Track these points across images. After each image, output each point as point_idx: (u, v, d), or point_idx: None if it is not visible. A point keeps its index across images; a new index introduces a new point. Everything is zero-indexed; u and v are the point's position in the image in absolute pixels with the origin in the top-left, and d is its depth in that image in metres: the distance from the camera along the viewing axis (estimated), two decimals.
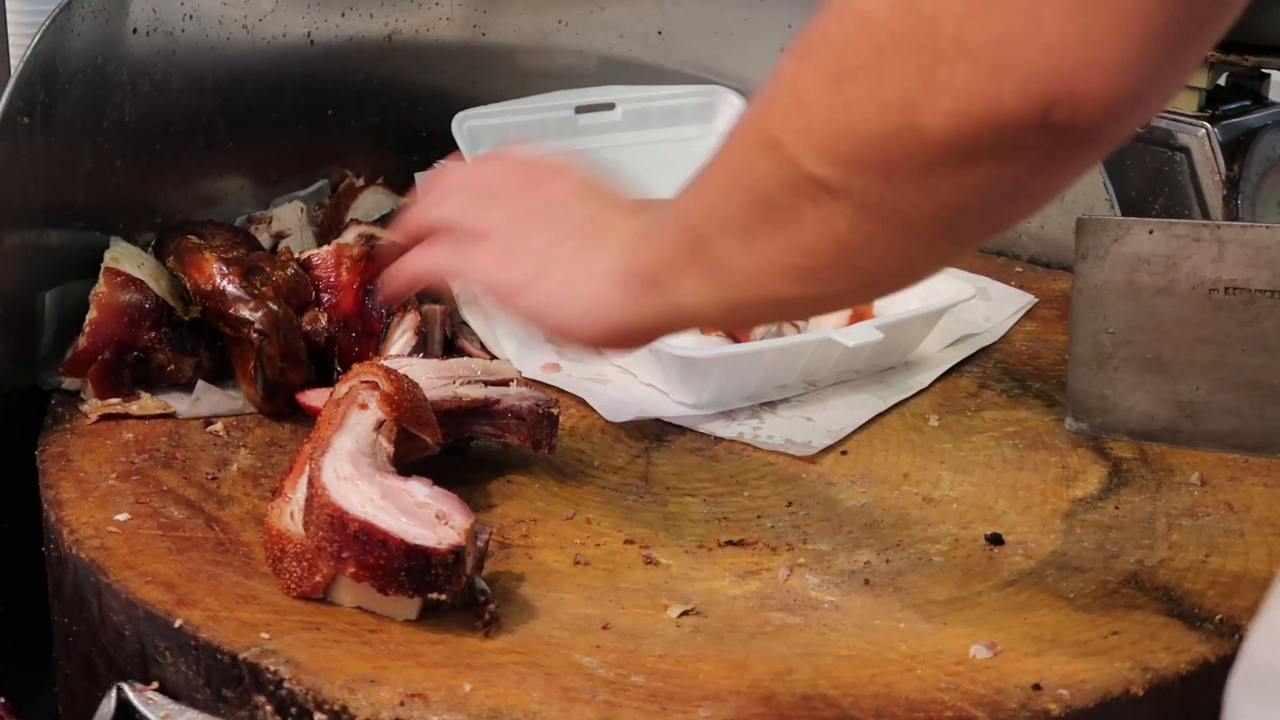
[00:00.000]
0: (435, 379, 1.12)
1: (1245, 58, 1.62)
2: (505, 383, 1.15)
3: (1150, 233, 1.18)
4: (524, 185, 0.99)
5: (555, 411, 1.14)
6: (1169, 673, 0.90)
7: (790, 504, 1.12)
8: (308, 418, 1.14)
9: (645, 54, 1.65)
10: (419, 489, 0.94)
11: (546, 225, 0.95)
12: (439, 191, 1.03)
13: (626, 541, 1.06)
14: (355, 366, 1.06)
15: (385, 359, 1.17)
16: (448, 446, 1.09)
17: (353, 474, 0.94)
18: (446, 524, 0.91)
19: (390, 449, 1.00)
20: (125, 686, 0.91)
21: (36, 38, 1.16)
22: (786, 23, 1.65)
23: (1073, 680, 0.89)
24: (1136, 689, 0.89)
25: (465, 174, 1.05)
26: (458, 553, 0.90)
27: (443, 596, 0.91)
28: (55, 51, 1.19)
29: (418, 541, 0.89)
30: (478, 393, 1.12)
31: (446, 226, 1.00)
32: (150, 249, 1.30)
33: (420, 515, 0.92)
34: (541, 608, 0.96)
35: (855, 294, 0.85)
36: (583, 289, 0.91)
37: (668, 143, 1.60)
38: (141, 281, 1.22)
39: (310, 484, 0.94)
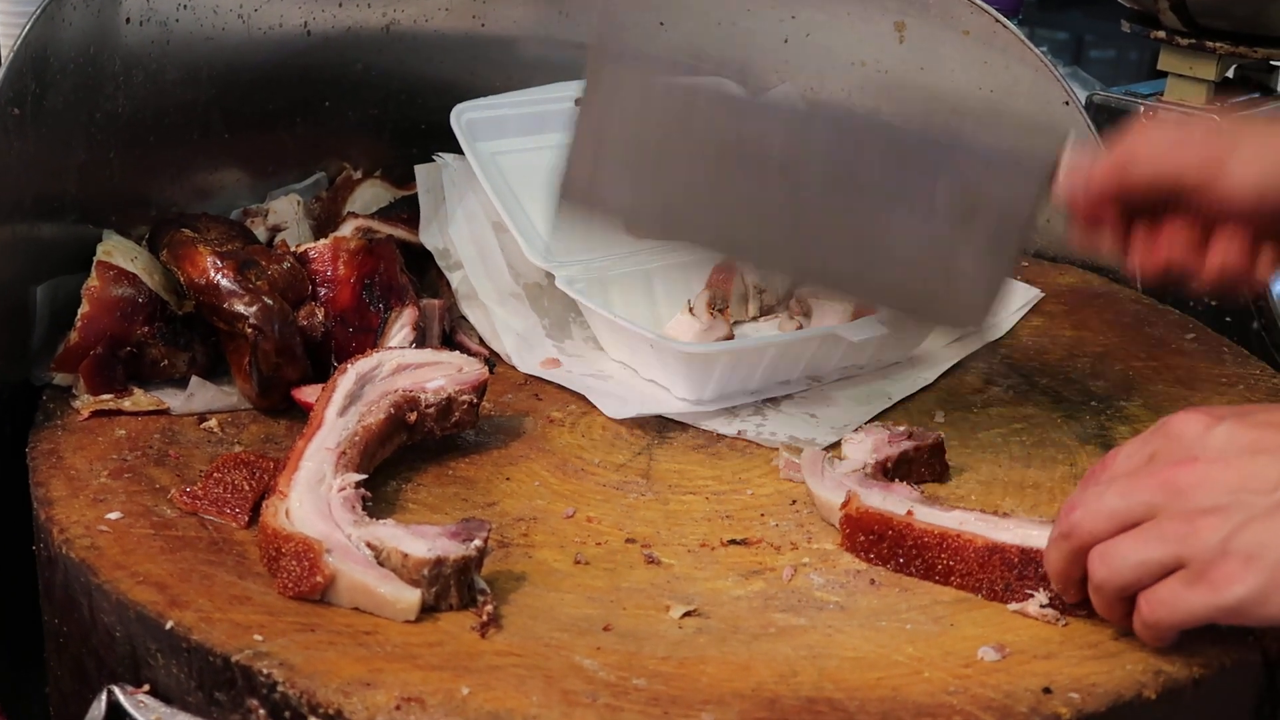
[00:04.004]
0: None
1: (1254, 50, 1.60)
2: None
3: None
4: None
5: None
6: (1181, 676, 0.89)
7: (794, 502, 1.10)
8: (303, 414, 1.13)
9: (646, 45, 1.63)
10: None
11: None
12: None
13: (628, 540, 1.04)
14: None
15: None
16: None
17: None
18: None
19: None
20: (116, 689, 0.90)
21: (27, 27, 1.14)
22: (789, 13, 1.63)
23: (1084, 683, 0.87)
24: (1149, 692, 0.87)
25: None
26: None
27: None
28: (46, 41, 1.17)
29: None
30: None
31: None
32: (144, 242, 1.28)
33: None
34: (541, 608, 0.94)
35: None
36: None
37: None
38: (135, 275, 1.21)
39: None
